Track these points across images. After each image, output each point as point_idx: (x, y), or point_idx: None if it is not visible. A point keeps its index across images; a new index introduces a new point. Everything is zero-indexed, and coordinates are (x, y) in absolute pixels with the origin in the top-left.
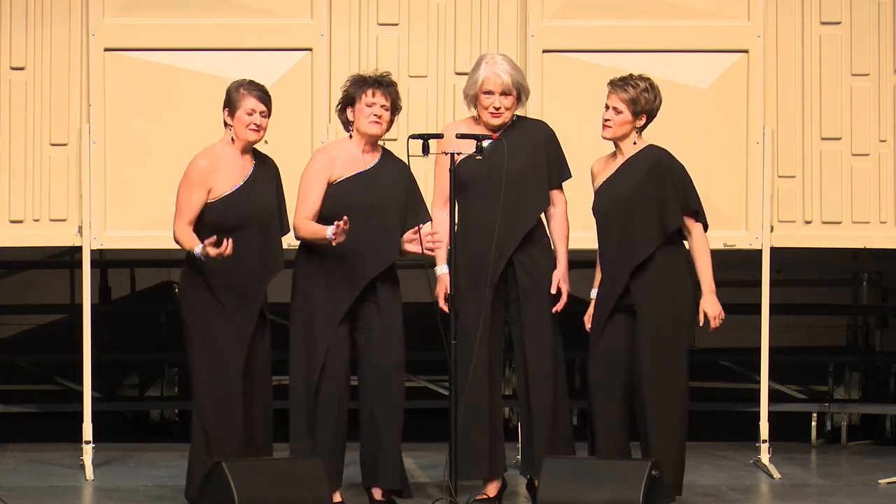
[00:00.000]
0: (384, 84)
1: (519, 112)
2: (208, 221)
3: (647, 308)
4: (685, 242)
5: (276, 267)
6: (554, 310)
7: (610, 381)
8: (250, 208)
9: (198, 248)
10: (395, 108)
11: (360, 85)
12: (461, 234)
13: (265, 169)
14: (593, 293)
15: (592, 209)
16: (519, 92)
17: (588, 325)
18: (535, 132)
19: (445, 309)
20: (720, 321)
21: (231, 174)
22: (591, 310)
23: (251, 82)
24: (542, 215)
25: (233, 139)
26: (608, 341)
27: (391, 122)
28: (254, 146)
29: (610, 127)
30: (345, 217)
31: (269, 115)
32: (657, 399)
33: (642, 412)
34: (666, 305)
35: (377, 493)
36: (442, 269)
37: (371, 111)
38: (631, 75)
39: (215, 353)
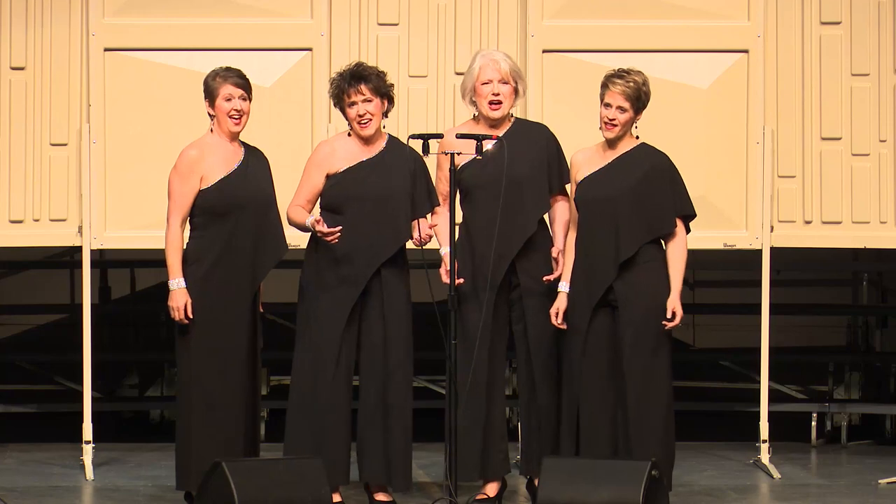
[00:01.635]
0: (356, 79)
1: (518, 111)
2: (203, 208)
3: (630, 305)
4: (661, 241)
5: (277, 253)
6: (544, 278)
7: (599, 384)
8: (245, 192)
9: (173, 283)
10: (381, 94)
11: (338, 88)
12: (466, 237)
13: (256, 158)
14: (562, 286)
15: (575, 200)
16: (516, 83)
17: (554, 319)
18: (536, 135)
19: (446, 279)
20: (679, 323)
21: (222, 160)
22: (559, 303)
23: (227, 68)
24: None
25: (212, 129)
26: (594, 343)
27: (384, 104)
28: (241, 138)
29: (616, 126)
30: (336, 231)
31: (249, 98)
32: (643, 397)
33: (627, 411)
34: (648, 302)
35: (381, 496)
36: (445, 250)
37: (355, 112)
38: (624, 70)
39: (215, 344)
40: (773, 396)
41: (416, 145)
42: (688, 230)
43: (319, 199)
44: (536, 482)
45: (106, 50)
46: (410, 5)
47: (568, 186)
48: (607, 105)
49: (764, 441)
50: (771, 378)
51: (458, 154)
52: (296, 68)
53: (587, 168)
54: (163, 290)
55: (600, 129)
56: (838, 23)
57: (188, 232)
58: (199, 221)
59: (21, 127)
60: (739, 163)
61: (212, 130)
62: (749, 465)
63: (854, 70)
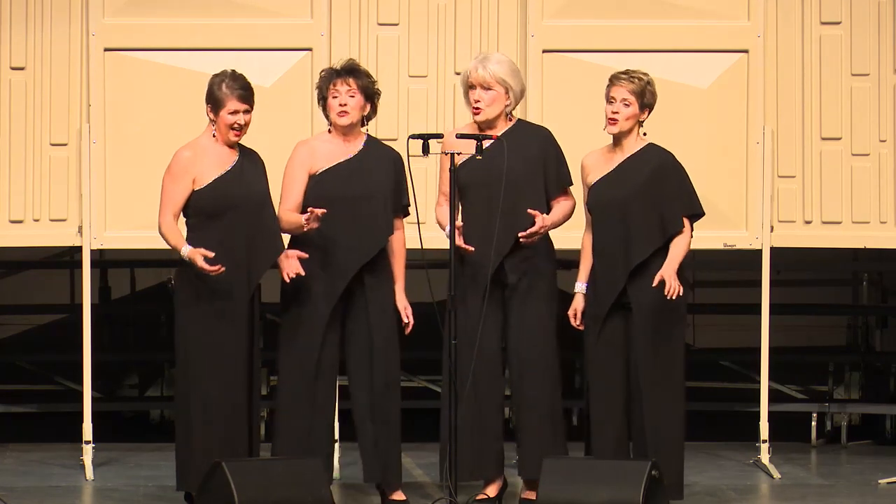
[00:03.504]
0: (344, 72)
1: (519, 111)
2: (198, 208)
3: (644, 307)
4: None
5: (272, 254)
6: (519, 234)
7: (610, 383)
8: (240, 193)
9: (185, 249)
10: (365, 92)
11: (324, 79)
12: (462, 236)
13: (251, 160)
14: (579, 287)
15: (586, 204)
16: (506, 89)
17: (573, 320)
18: (534, 137)
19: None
20: (676, 289)
21: (216, 162)
22: (576, 304)
23: (233, 76)
24: None
25: (214, 135)
26: (607, 344)
27: (367, 108)
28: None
29: (618, 121)
30: (321, 210)
31: (252, 109)
32: (656, 398)
33: (640, 413)
34: (662, 304)
35: (397, 496)
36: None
37: (337, 102)
38: (631, 69)
39: (214, 345)
40: (773, 396)
41: (416, 145)
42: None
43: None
44: (525, 484)
45: (106, 50)
46: (410, 5)
47: (572, 188)
48: (611, 100)
49: (764, 441)
50: (771, 378)
51: (458, 154)
52: (296, 68)
53: (597, 171)
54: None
55: (604, 128)
56: (838, 23)
57: (184, 232)
58: (193, 222)
59: (21, 127)
60: (739, 163)
61: (214, 136)
62: (749, 465)
63: (854, 70)
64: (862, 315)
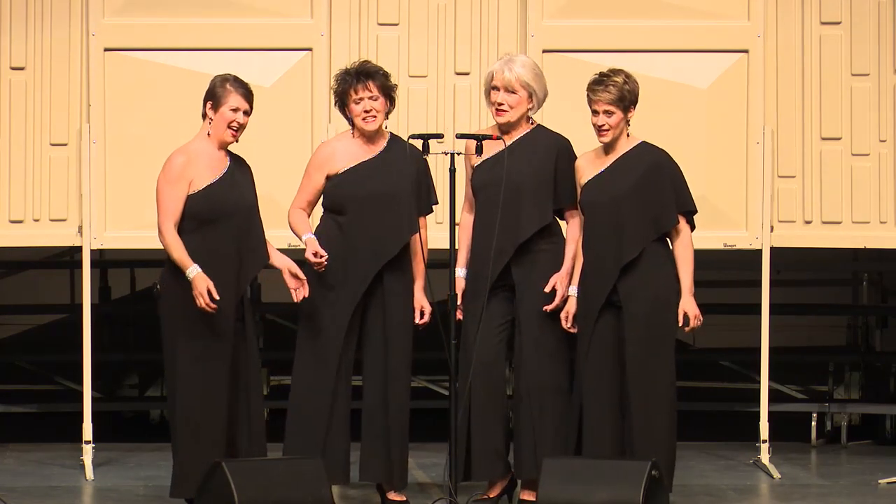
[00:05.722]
0: (364, 75)
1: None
2: (192, 213)
3: (634, 305)
4: (668, 240)
5: (260, 261)
6: (544, 308)
7: (601, 384)
8: (232, 199)
9: (193, 271)
10: (386, 93)
11: (344, 83)
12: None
13: (240, 167)
14: (572, 290)
15: (580, 204)
16: (530, 94)
17: (565, 323)
18: (549, 144)
19: (458, 315)
20: (699, 322)
21: (209, 167)
22: (569, 307)
23: (236, 79)
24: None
25: (209, 133)
26: (598, 344)
27: (388, 105)
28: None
29: (608, 131)
30: (321, 259)
31: (251, 112)
32: (645, 397)
33: (630, 411)
34: (652, 302)
35: (396, 496)
36: (460, 273)
37: (361, 108)
38: (604, 74)
39: (200, 351)
40: (773, 396)
41: (417, 145)
42: (693, 227)
43: (322, 200)
44: (521, 484)
45: (106, 50)
46: (410, 5)
47: None
48: (595, 112)
49: (764, 441)
50: (771, 378)
51: (458, 154)
52: (296, 68)
53: (589, 171)
54: None
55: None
56: (838, 23)
57: None
58: (186, 226)
59: (21, 127)
60: (739, 163)
61: (209, 134)
62: (749, 465)
63: (854, 70)
64: (862, 315)
